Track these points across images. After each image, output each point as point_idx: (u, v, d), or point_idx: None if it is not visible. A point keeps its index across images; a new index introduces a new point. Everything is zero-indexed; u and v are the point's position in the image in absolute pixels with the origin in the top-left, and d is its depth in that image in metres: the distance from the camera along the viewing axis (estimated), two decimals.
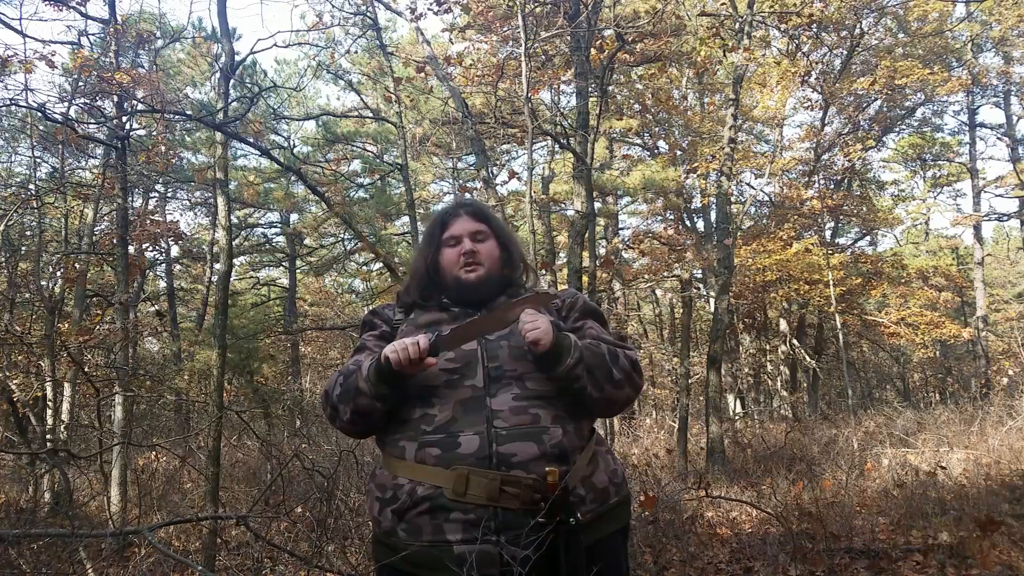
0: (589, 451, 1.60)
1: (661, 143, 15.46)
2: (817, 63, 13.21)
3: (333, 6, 8.09)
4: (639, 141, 15.77)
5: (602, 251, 13.30)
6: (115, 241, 6.34)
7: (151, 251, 13.81)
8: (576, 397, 1.59)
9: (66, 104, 6.08)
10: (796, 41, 9.08)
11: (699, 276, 15.47)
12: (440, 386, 1.56)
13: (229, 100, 5.39)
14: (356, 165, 17.04)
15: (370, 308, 1.88)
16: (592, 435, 1.66)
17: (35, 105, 4.97)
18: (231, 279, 6.17)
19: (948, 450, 7.69)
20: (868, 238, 19.20)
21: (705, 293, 15.72)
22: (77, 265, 7.78)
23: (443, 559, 1.46)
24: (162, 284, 17.86)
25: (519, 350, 1.59)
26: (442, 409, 1.55)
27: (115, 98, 6.22)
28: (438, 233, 1.76)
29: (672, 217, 15.61)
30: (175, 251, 16.17)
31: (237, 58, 5.44)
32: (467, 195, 10.82)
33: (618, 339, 1.75)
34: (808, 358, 15.65)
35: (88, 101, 6.59)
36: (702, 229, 15.26)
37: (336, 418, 1.64)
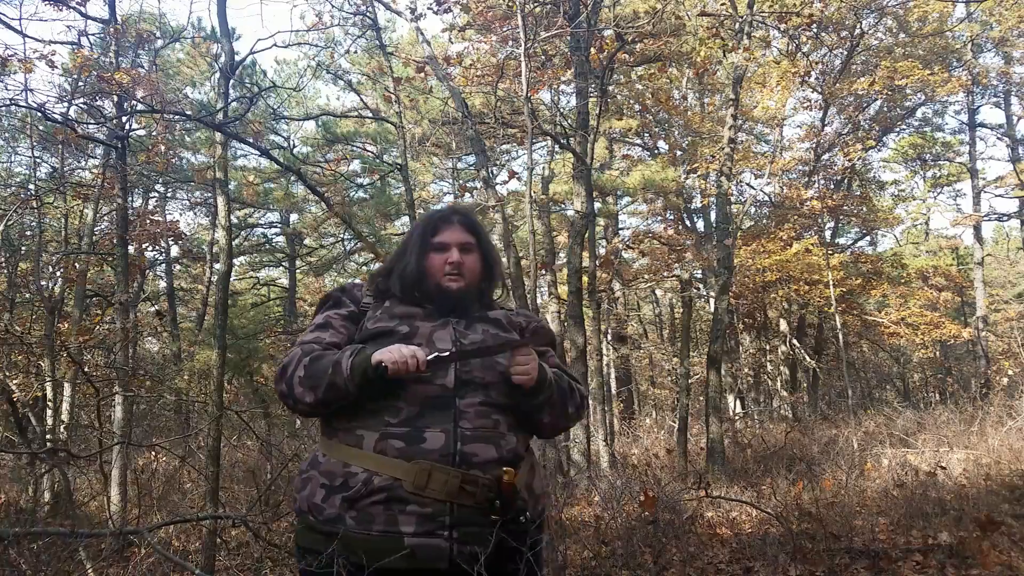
0: (529, 460, 1.71)
1: (661, 143, 15.45)
2: (817, 63, 13.18)
3: (333, 6, 8.10)
4: (639, 141, 15.76)
5: (602, 251, 13.30)
6: (115, 241, 6.34)
7: (151, 251, 13.81)
8: (529, 417, 1.70)
9: (66, 104, 6.07)
10: (796, 41, 9.07)
11: (699, 276, 15.46)
12: (410, 380, 1.59)
13: (229, 100, 5.39)
14: (356, 165, 17.03)
15: (339, 286, 1.91)
16: (529, 446, 1.77)
17: (35, 105, 4.97)
18: (231, 279, 6.17)
19: (948, 450, 7.69)
20: (868, 238, 19.18)
21: (705, 293, 15.71)
22: (77, 265, 7.78)
23: (393, 549, 1.50)
24: (162, 284, 17.86)
25: (490, 360, 1.66)
26: (409, 403, 1.59)
27: (115, 98, 6.21)
28: (429, 235, 1.80)
29: (672, 217, 15.60)
30: (175, 251, 16.16)
31: (237, 58, 5.44)
32: (466, 196, 10.82)
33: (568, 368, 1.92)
34: (808, 358, 15.64)
35: (88, 101, 6.58)
36: (702, 229, 15.25)
37: (291, 397, 1.62)
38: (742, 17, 8.08)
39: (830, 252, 14.06)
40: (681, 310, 15.82)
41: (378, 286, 1.83)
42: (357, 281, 1.92)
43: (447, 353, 1.58)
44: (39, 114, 5.31)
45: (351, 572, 1.51)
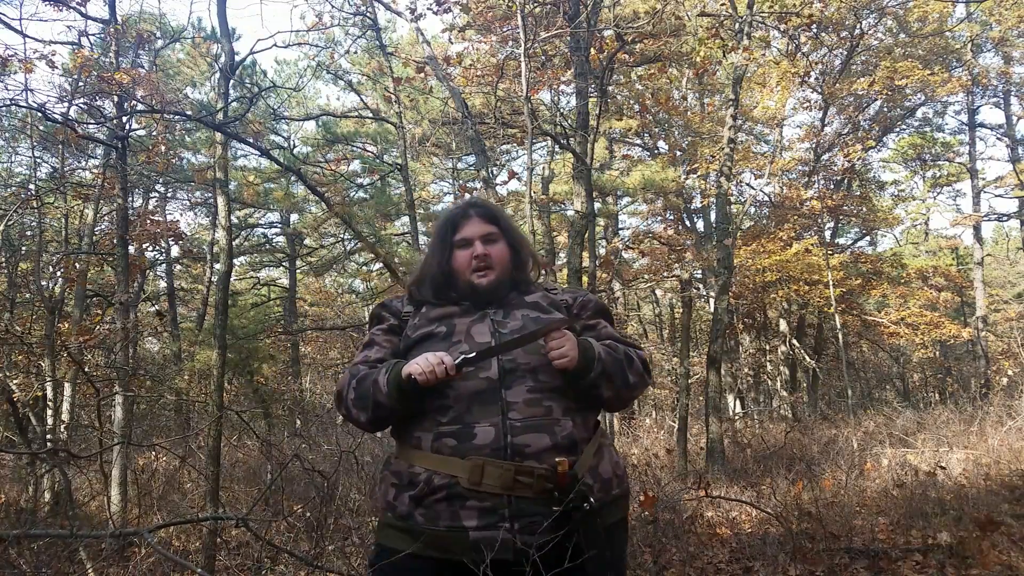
0: (595, 443, 1.66)
1: (661, 143, 15.44)
2: (817, 63, 13.20)
3: (333, 6, 8.09)
4: (639, 141, 15.76)
5: (602, 251, 13.30)
6: (115, 241, 6.34)
7: (151, 251, 13.82)
8: (588, 393, 1.65)
9: (66, 104, 6.07)
10: (796, 41, 9.07)
11: (699, 276, 15.45)
12: (455, 378, 1.60)
13: (229, 100, 5.39)
14: (356, 165, 17.03)
15: (379, 301, 1.94)
16: (597, 427, 1.73)
17: (35, 105, 4.97)
18: (231, 279, 6.17)
19: (948, 450, 7.68)
20: (868, 238, 19.18)
21: (705, 293, 15.71)
22: (77, 265, 7.78)
23: (460, 543, 1.53)
24: (162, 284, 17.84)
25: (533, 344, 1.64)
26: (457, 400, 1.60)
27: (115, 98, 6.21)
28: (450, 235, 1.80)
29: (672, 217, 15.59)
30: (175, 251, 16.16)
31: (237, 58, 5.45)
32: (474, 194, 10.82)
33: (624, 336, 1.84)
34: (808, 358, 15.64)
35: (88, 101, 6.59)
36: (702, 229, 15.25)
37: (351, 419, 1.70)
38: (742, 17, 8.07)
39: (830, 252, 14.06)
40: (681, 310, 15.81)
41: (412, 295, 1.86)
42: (399, 294, 1.90)
43: (473, 354, 1.58)
44: (39, 114, 5.31)
45: (425, 567, 1.56)
